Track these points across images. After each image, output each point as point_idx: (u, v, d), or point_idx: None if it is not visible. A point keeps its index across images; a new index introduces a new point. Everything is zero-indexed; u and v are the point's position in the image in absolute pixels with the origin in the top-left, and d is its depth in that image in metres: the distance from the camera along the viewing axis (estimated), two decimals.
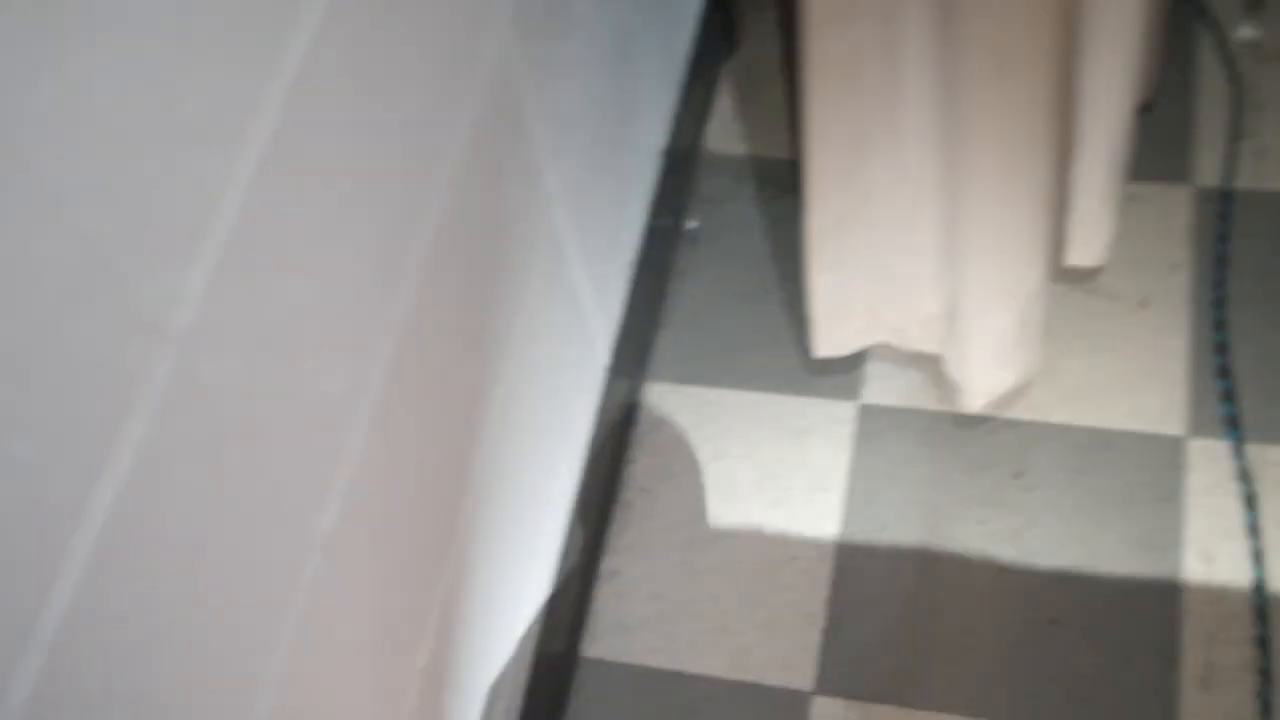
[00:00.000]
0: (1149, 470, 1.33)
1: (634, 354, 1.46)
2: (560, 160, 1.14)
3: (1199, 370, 1.38)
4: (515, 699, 1.18)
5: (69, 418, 0.56)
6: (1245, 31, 1.58)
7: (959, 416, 1.38)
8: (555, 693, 1.26)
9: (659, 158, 1.51)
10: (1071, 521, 1.31)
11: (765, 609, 1.31)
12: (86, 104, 0.54)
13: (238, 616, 0.71)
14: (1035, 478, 1.34)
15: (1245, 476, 1.30)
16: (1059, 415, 1.38)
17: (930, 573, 1.30)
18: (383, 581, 0.88)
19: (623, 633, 1.31)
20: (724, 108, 1.65)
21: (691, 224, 1.58)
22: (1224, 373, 1.37)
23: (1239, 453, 1.31)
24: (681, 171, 1.59)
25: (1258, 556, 1.25)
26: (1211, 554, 1.27)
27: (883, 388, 1.43)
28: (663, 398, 1.46)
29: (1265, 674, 1.20)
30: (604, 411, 1.36)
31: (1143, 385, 1.38)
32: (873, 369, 1.44)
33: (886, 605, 1.29)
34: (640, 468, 1.41)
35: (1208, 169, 1.52)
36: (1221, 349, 1.38)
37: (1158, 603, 1.25)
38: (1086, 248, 1.36)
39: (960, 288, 1.20)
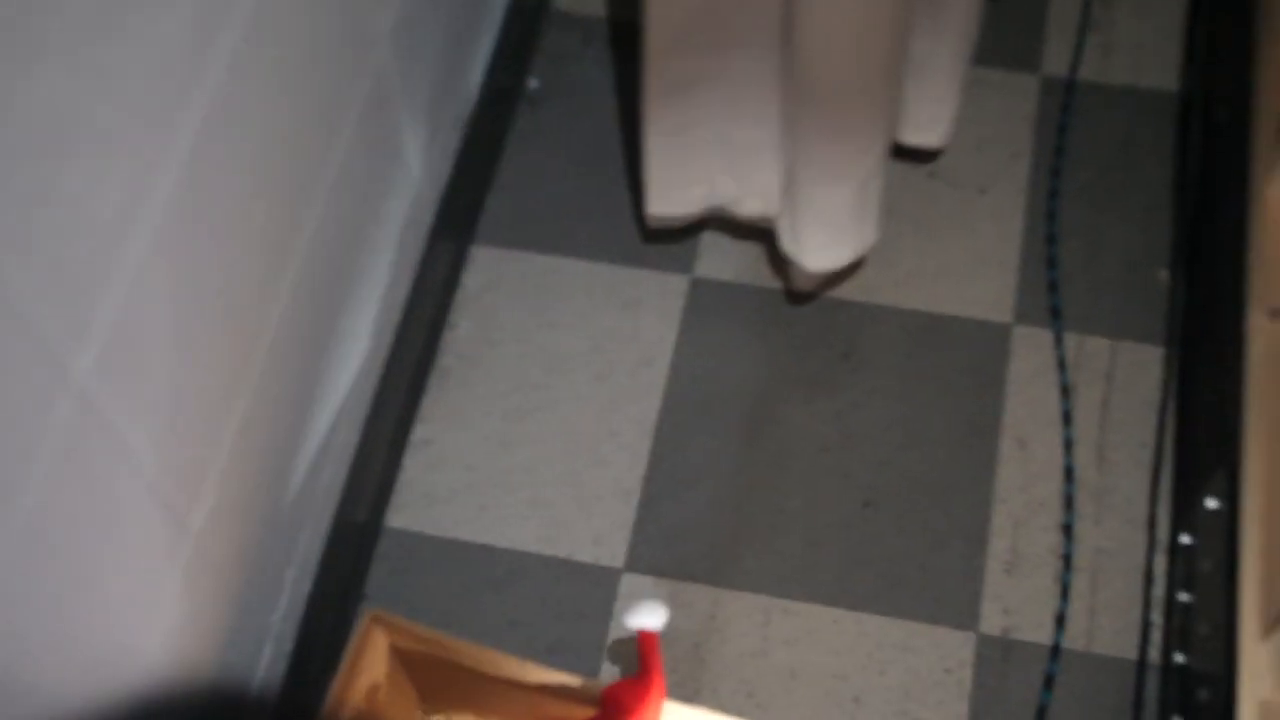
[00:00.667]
0: (975, 356, 1.32)
1: (462, 215, 1.39)
2: None
3: (1030, 259, 1.37)
4: (309, 567, 1.12)
5: None
6: None
7: (791, 294, 1.35)
8: (355, 563, 1.20)
9: (503, 12, 1.41)
10: (896, 404, 1.30)
11: (581, 484, 1.27)
12: None
13: None
14: (863, 359, 1.33)
15: (1065, 366, 1.30)
16: (891, 298, 1.36)
17: (750, 452, 1.28)
18: (148, 434, 0.80)
19: (431, 504, 1.26)
20: None
21: (534, 83, 1.50)
22: (1052, 263, 1.36)
23: (1060, 342, 1.32)
24: (528, 28, 1.50)
25: (1069, 445, 1.26)
26: (1026, 440, 1.28)
27: (716, 262, 1.38)
28: (490, 263, 1.39)
29: (1067, 559, 1.22)
30: (424, 273, 1.28)
31: (976, 271, 1.37)
32: (707, 242, 1.39)
33: (704, 484, 1.27)
34: (461, 334, 1.35)
35: (1055, 58, 1.49)
36: (1051, 239, 1.38)
37: (971, 488, 1.26)
38: (929, 129, 1.33)
39: (798, 158, 1.16)
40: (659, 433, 1.29)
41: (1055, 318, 1.33)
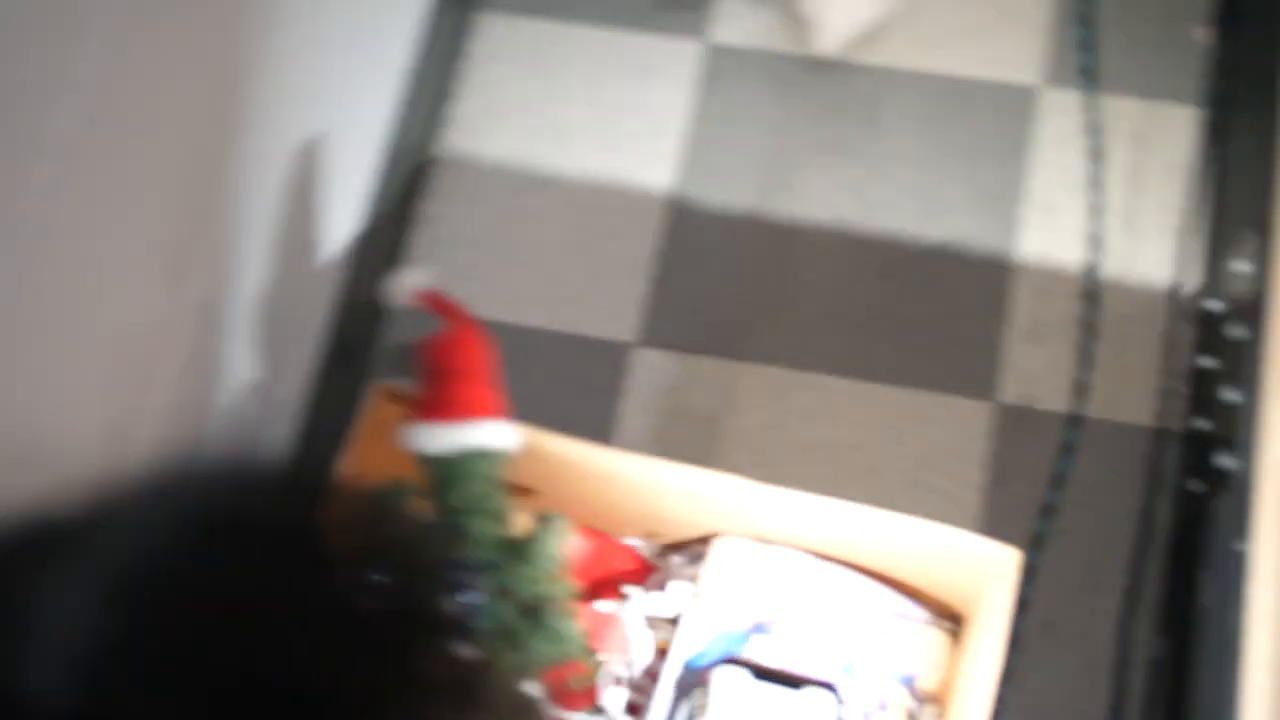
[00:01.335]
0: (1000, 120, 1.27)
1: None
2: None
3: (1062, 17, 1.30)
4: (311, 344, 1.10)
5: None
6: None
7: (811, 60, 1.29)
8: (361, 339, 1.19)
9: None
10: (916, 171, 1.25)
11: (591, 258, 1.24)
12: None
13: None
14: (884, 126, 1.27)
15: (1095, 130, 1.25)
16: (915, 62, 1.29)
17: (765, 224, 1.24)
18: (138, 200, 0.77)
19: (439, 279, 1.24)
20: None
21: None
22: (1085, 20, 1.29)
23: (1092, 105, 1.25)
24: None
25: (1096, 210, 1.22)
26: (1052, 206, 1.23)
27: (733, 27, 1.32)
28: (496, 29, 1.33)
29: (1090, 325, 1.19)
30: (429, 42, 1.23)
31: (1004, 30, 1.30)
32: (723, 6, 1.32)
33: (718, 257, 1.24)
34: (466, 105, 1.30)
35: None
36: None
37: (991, 256, 1.22)
38: None
39: None
40: (671, 205, 1.25)
41: (1088, 78, 1.26)
